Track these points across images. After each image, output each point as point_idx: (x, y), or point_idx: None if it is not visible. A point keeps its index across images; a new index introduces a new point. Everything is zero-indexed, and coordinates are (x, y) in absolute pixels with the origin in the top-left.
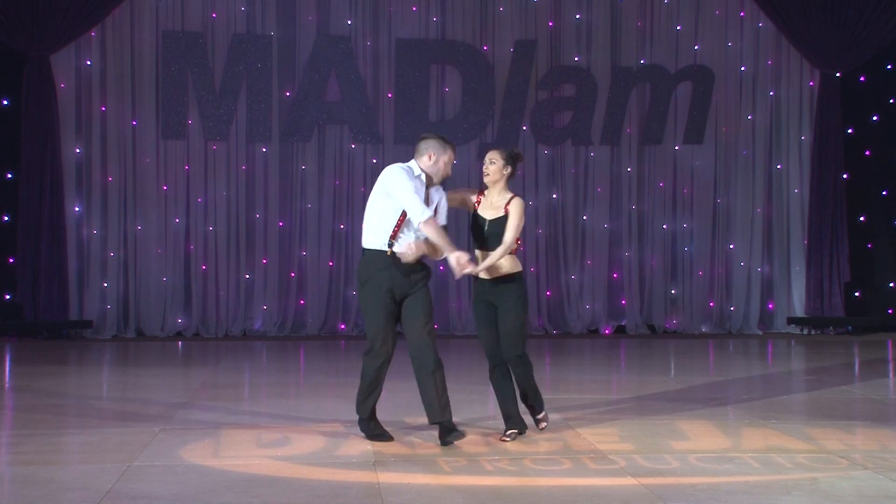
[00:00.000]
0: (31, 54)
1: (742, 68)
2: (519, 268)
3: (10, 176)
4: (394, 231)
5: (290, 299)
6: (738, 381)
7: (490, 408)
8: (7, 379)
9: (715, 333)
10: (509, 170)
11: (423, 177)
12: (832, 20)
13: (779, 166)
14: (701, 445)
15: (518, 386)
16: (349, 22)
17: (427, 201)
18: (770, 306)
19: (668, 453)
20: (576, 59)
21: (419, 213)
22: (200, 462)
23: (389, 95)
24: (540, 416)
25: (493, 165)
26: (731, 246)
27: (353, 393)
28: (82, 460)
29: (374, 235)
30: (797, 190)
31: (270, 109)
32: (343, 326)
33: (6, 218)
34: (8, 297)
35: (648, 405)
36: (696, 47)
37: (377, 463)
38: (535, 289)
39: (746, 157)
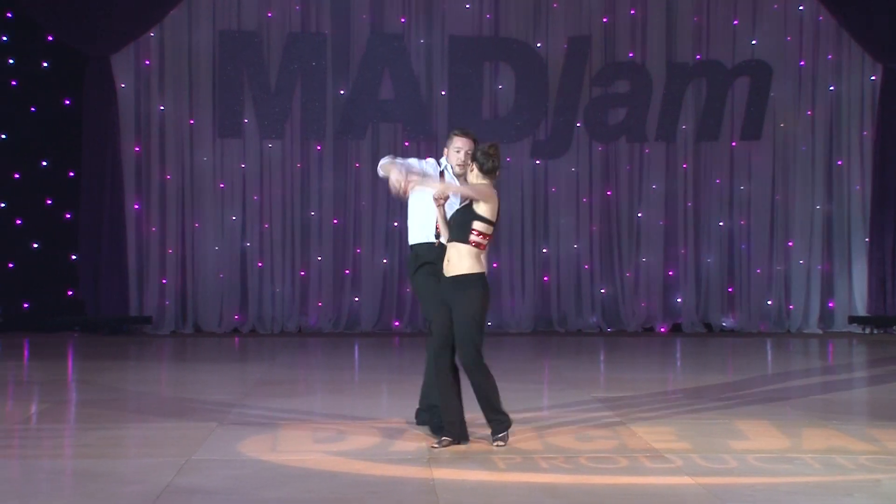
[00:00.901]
0: (93, 55)
1: (801, 63)
2: (480, 268)
3: (72, 174)
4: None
5: (345, 296)
6: (797, 381)
7: (544, 402)
8: (69, 373)
9: (773, 332)
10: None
11: (449, 168)
12: (894, 13)
13: (839, 162)
14: (759, 445)
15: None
16: (402, 20)
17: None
18: (830, 305)
19: (726, 453)
20: (630, 55)
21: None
22: (257, 456)
23: (443, 93)
24: (499, 436)
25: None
26: (790, 243)
27: (408, 389)
28: (141, 454)
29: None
30: (858, 186)
31: (325, 108)
32: (397, 323)
33: (68, 215)
34: (70, 293)
35: (705, 404)
36: (753, 42)
37: (432, 459)
38: (589, 286)
39: (805, 153)
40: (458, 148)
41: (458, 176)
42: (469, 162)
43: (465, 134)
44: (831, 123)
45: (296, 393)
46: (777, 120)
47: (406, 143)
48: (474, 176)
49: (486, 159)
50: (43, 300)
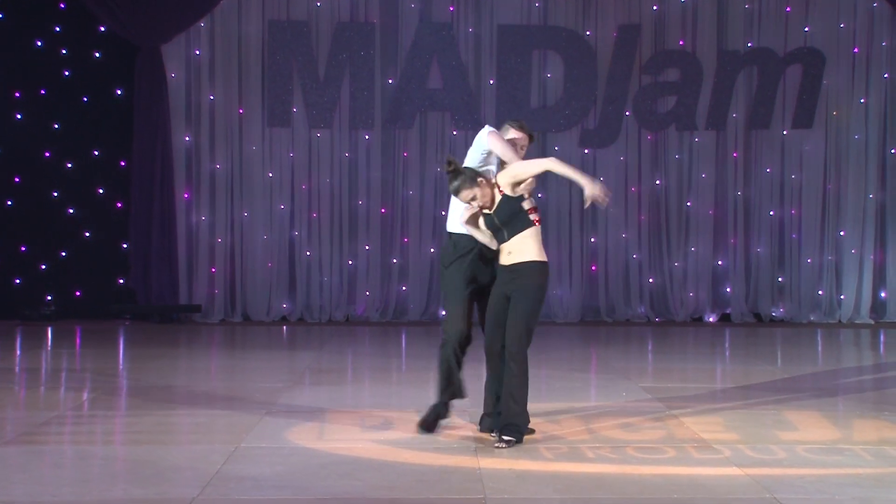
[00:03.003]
0: (144, 45)
1: (855, 50)
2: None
3: (123, 163)
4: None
5: (392, 285)
6: (848, 372)
7: (592, 392)
8: (121, 361)
9: (824, 322)
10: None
11: None
12: None
13: (893, 151)
14: (809, 436)
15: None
16: (451, 9)
17: None
18: (883, 295)
19: (775, 444)
20: (680, 42)
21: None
22: (305, 444)
23: (491, 82)
24: (502, 437)
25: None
26: (842, 233)
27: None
28: (192, 441)
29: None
30: None
31: (373, 97)
32: (445, 312)
33: (119, 205)
34: (121, 281)
35: (754, 394)
36: (806, 29)
37: (478, 449)
38: (638, 276)
39: (859, 141)
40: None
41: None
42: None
43: (521, 127)
44: (885, 111)
45: (343, 382)
46: (830, 108)
47: (454, 132)
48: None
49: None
50: (94, 289)
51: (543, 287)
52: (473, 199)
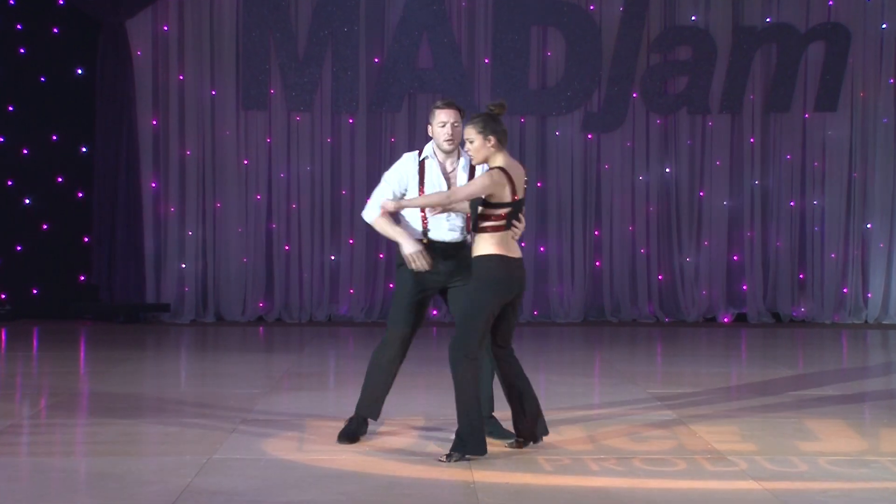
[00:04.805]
0: (107, 20)
1: (883, 26)
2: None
3: (84, 150)
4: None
5: (378, 282)
6: (875, 376)
7: (595, 398)
8: (83, 365)
9: (849, 323)
10: (492, 139)
11: (437, 154)
12: None
13: None
14: (833, 447)
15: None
16: None
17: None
18: None
19: (796, 455)
20: (693, 18)
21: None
22: (283, 456)
23: (486, 61)
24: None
25: (472, 145)
26: (869, 225)
27: (446, 383)
28: (160, 452)
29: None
30: None
31: (357, 77)
32: (435, 312)
33: (81, 194)
34: (83, 278)
35: (772, 401)
36: (829, 3)
37: (472, 460)
38: (646, 272)
39: (887, 125)
40: (442, 122)
41: (447, 153)
42: (462, 138)
43: (448, 105)
44: None
45: (325, 387)
46: (855, 89)
47: None
48: (478, 151)
49: (496, 124)
50: (53, 286)
51: (486, 282)
52: (470, 142)
